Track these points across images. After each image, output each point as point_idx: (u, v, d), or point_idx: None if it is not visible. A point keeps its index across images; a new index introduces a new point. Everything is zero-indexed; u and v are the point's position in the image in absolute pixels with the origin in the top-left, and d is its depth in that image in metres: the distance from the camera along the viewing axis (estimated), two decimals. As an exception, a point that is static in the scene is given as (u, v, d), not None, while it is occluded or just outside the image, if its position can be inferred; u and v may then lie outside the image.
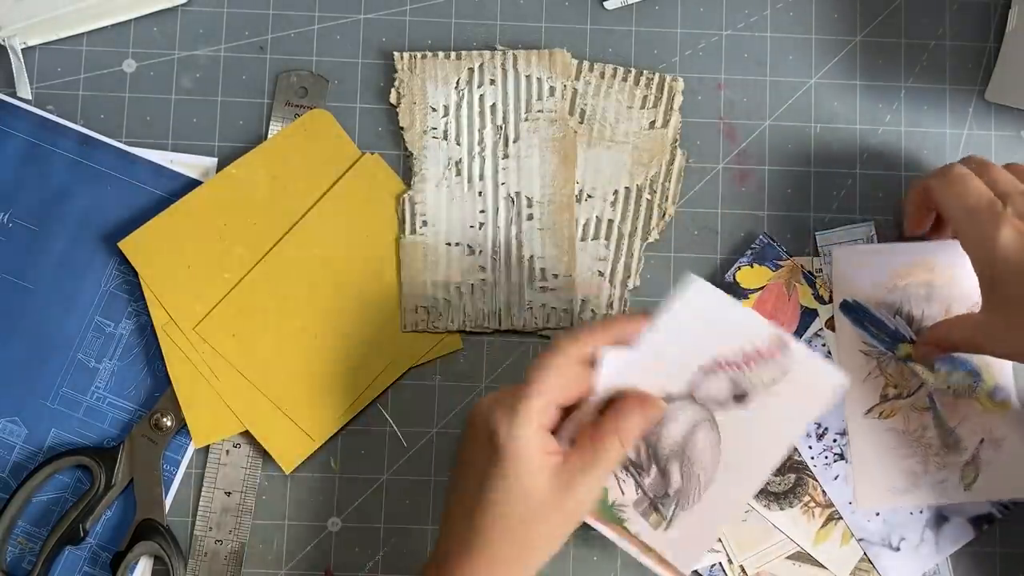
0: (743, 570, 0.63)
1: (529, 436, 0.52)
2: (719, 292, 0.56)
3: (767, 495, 0.63)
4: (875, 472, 0.63)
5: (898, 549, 0.63)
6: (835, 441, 0.63)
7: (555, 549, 0.53)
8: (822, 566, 0.63)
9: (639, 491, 0.58)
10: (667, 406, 0.56)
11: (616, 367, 0.55)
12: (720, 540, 0.63)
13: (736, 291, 0.64)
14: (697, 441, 0.57)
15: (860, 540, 0.63)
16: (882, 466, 0.63)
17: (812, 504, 0.63)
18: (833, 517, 0.63)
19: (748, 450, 0.57)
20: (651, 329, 0.56)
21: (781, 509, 0.63)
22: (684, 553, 0.58)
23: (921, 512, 0.63)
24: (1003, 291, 0.55)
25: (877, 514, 0.63)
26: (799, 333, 0.64)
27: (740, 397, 0.57)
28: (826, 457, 0.63)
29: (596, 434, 0.54)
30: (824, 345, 0.64)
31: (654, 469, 0.58)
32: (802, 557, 0.63)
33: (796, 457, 0.63)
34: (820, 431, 0.63)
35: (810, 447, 0.63)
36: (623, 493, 0.59)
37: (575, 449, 0.53)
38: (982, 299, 0.57)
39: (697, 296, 0.56)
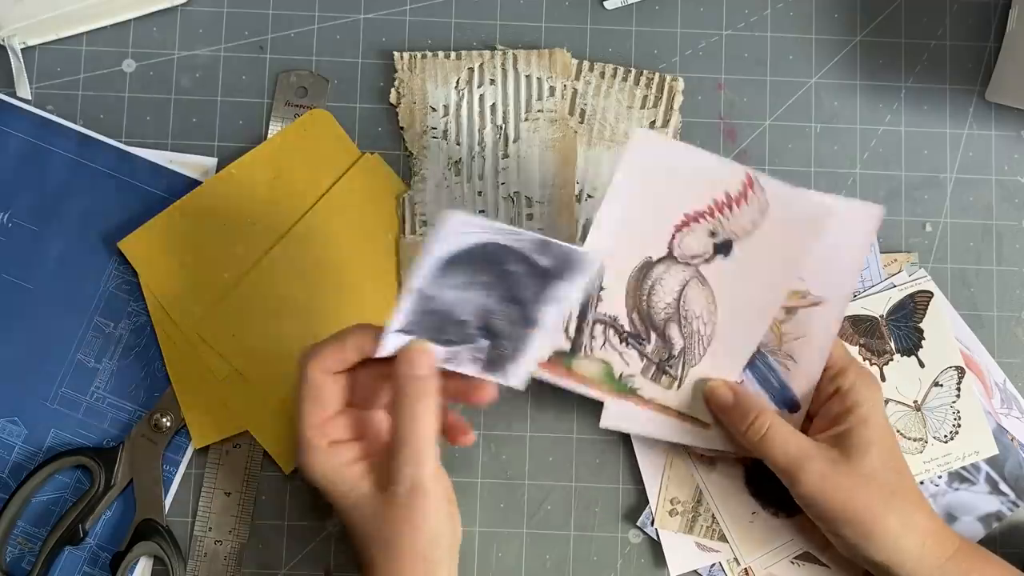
0: (747, 572, 0.63)
1: (322, 462, 0.53)
2: (670, 140, 0.55)
3: (774, 502, 0.63)
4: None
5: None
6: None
7: (441, 531, 0.52)
8: (828, 567, 0.63)
9: (643, 359, 0.58)
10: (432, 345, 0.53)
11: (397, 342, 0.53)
12: (726, 540, 0.63)
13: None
14: (689, 299, 0.57)
15: None
16: None
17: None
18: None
19: (745, 296, 0.56)
20: (608, 195, 0.54)
21: (789, 515, 0.63)
22: (702, 404, 0.58)
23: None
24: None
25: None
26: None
27: (723, 247, 0.56)
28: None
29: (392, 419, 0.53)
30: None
31: (653, 336, 0.58)
32: (809, 558, 0.63)
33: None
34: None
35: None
36: (628, 364, 0.58)
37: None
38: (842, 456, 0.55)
39: (646, 147, 0.54)
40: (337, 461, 0.53)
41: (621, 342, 0.58)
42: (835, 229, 0.56)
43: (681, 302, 0.57)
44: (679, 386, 0.59)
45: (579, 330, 0.59)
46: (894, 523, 0.55)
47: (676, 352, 0.58)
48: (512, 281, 0.53)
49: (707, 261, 0.57)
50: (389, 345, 0.53)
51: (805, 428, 0.59)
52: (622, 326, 0.59)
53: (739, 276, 0.57)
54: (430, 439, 0.52)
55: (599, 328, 0.59)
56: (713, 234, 0.56)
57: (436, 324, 0.53)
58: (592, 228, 0.56)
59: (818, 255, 0.56)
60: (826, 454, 0.56)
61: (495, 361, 0.54)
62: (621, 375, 0.59)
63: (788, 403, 0.60)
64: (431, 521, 0.52)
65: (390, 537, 0.52)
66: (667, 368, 0.58)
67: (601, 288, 0.58)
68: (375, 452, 0.54)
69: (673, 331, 0.58)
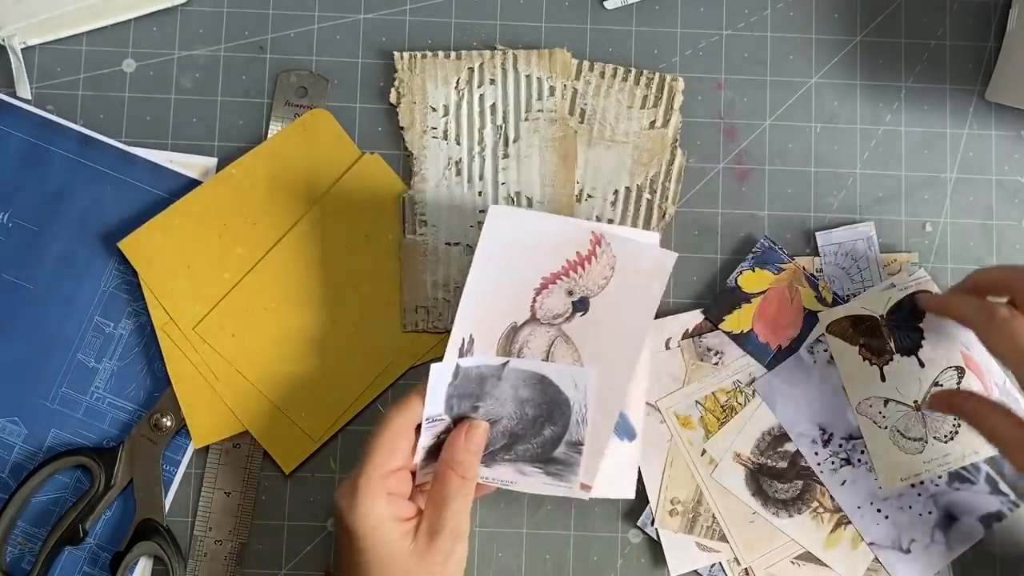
0: (747, 572, 0.63)
1: (376, 510, 0.53)
2: (521, 211, 0.57)
3: (775, 502, 0.63)
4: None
5: (908, 551, 0.63)
6: (840, 446, 0.63)
7: None
8: (829, 568, 0.63)
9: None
10: (485, 422, 0.57)
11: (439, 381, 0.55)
12: (726, 540, 0.63)
13: (738, 295, 0.64)
14: (557, 358, 0.58)
15: (871, 544, 0.63)
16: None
17: (821, 510, 0.63)
18: (842, 522, 0.63)
19: (607, 349, 0.58)
20: (472, 269, 0.56)
21: (790, 516, 0.63)
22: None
23: (930, 513, 0.63)
24: None
25: (886, 517, 0.63)
26: (802, 335, 0.64)
27: (580, 304, 0.58)
28: (832, 463, 0.63)
29: (436, 478, 0.55)
30: (827, 350, 0.64)
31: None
32: (810, 558, 0.63)
33: (803, 464, 0.63)
34: (825, 437, 0.63)
35: (816, 453, 0.63)
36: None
37: (427, 502, 0.54)
38: None
39: (499, 220, 0.57)
40: (391, 513, 0.53)
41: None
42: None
43: (550, 362, 0.58)
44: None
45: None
46: None
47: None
48: (531, 428, 0.58)
49: (567, 320, 0.58)
50: (432, 407, 0.55)
51: None
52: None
53: (598, 330, 0.58)
54: (467, 510, 0.55)
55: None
56: (570, 293, 0.58)
57: (470, 393, 0.56)
58: (461, 303, 0.57)
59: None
60: None
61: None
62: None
63: (628, 433, 0.61)
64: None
65: None
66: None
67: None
68: (418, 513, 0.55)
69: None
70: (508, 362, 0.56)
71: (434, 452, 0.56)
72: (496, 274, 0.57)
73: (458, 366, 0.55)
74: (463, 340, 0.57)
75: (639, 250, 0.58)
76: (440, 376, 0.55)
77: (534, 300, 0.58)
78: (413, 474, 0.56)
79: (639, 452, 0.61)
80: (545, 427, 0.58)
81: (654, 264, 0.58)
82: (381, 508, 0.53)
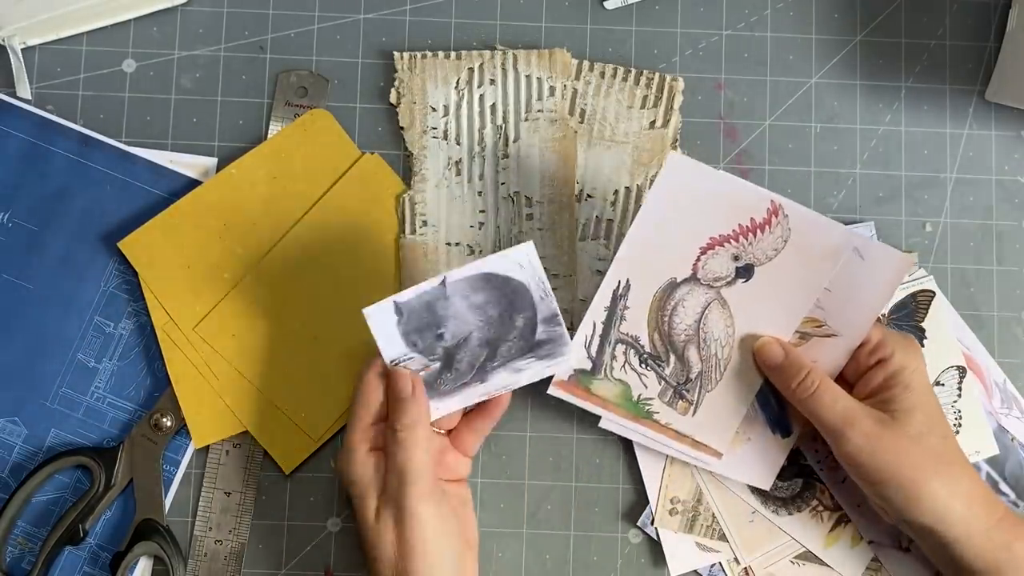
0: (747, 572, 0.63)
1: (359, 465, 0.54)
2: (701, 165, 0.56)
3: (775, 500, 0.63)
4: None
5: (907, 549, 0.63)
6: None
7: (434, 549, 0.53)
8: (829, 566, 0.63)
9: (662, 382, 0.59)
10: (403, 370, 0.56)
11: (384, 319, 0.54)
12: (726, 540, 0.63)
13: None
14: (710, 322, 0.58)
15: (870, 542, 0.63)
16: None
17: (820, 508, 0.63)
18: (842, 520, 0.63)
19: (763, 321, 0.57)
20: (640, 214, 0.56)
21: (790, 514, 0.63)
22: (715, 432, 0.59)
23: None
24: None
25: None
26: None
27: (744, 271, 0.57)
28: (833, 460, 0.63)
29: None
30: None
31: (672, 358, 0.59)
32: (809, 557, 0.63)
33: (802, 462, 0.63)
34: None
35: (816, 451, 0.63)
36: (646, 387, 0.59)
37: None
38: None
39: (678, 171, 0.56)
40: (371, 470, 0.54)
41: (641, 363, 0.59)
42: (863, 270, 0.57)
43: (701, 324, 0.58)
44: (695, 412, 0.60)
45: (600, 350, 0.59)
46: (941, 486, 0.55)
47: (693, 376, 0.59)
48: (502, 326, 0.56)
49: (728, 284, 0.58)
50: (389, 352, 0.55)
51: None
52: (643, 346, 0.59)
53: (758, 300, 0.58)
54: (418, 464, 0.54)
55: (620, 348, 0.59)
56: (736, 258, 0.57)
57: (424, 323, 0.55)
58: (623, 244, 0.57)
59: (841, 290, 0.57)
60: (874, 415, 0.56)
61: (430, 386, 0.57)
62: (639, 397, 0.60)
63: (783, 427, 0.60)
64: (425, 544, 0.53)
65: (380, 557, 0.53)
66: (684, 392, 0.59)
67: (625, 307, 0.59)
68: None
69: (692, 354, 0.59)
70: (444, 277, 0.54)
71: (433, 386, 0.57)
72: (664, 225, 0.56)
73: (395, 303, 0.54)
74: (619, 283, 0.57)
75: (819, 228, 0.56)
76: (379, 318, 0.54)
77: (698, 259, 0.57)
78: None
79: (789, 449, 0.60)
80: (514, 318, 0.56)
81: (833, 245, 0.56)
82: (361, 466, 0.54)
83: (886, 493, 0.55)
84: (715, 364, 0.59)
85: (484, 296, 0.55)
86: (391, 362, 0.55)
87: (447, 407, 0.58)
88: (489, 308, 0.55)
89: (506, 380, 0.58)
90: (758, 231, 0.57)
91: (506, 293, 0.55)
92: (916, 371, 0.57)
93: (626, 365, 0.60)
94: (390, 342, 0.54)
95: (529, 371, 0.58)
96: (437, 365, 0.56)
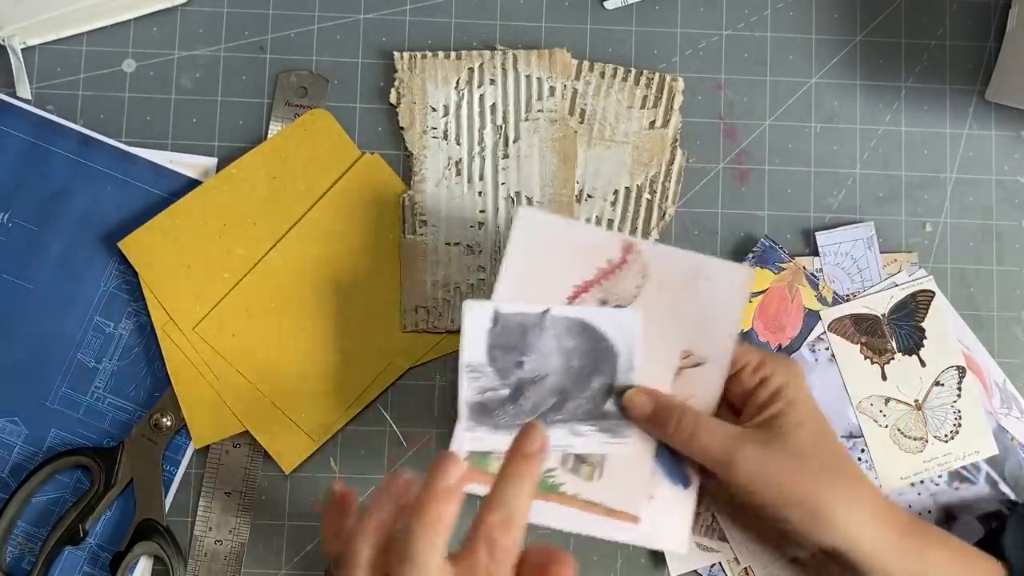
0: (747, 572, 0.63)
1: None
2: (552, 216, 0.55)
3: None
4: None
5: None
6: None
7: None
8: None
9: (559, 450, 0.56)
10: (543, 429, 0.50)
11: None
12: (726, 540, 0.63)
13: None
14: None
15: None
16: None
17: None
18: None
19: (647, 361, 0.55)
20: (503, 272, 0.55)
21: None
22: (627, 494, 0.55)
23: (930, 512, 0.63)
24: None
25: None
26: (802, 334, 0.64)
27: None
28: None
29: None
30: (828, 348, 0.64)
31: None
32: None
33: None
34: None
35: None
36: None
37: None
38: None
39: (528, 226, 0.55)
40: None
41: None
42: (710, 288, 0.56)
43: None
44: (600, 474, 0.55)
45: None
46: (837, 498, 0.52)
47: None
48: (579, 381, 0.54)
49: None
50: (469, 354, 0.53)
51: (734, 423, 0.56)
52: None
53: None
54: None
55: None
56: (604, 302, 0.56)
57: (512, 343, 0.54)
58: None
59: (697, 316, 0.56)
60: (758, 437, 0.53)
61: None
62: (543, 473, 0.55)
63: (682, 478, 0.56)
64: None
65: None
66: (584, 456, 0.56)
67: None
68: None
69: None
70: (548, 310, 0.54)
71: (479, 413, 0.54)
72: (527, 280, 0.55)
73: (496, 310, 0.53)
74: None
75: (674, 258, 0.56)
76: (478, 317, 0.52)
77: None
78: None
79: (694, 501, 0.56)
80: (593, 378, 0.54)
81: (693, 271, 0.55)
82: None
83: (786, 515, 0.52)
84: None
85: (575, 343, 0.54)
86: (467, 366, 0.52)
87: (491, 443, 0.54)
88: (574, 358, 0.55)
89: (561, 439, 0.55)
90: (616, 271, 0.56)
91: (595, 349, 0.55)
92: (799, 387, 0.55)
93: None
94: (475, 345, 0.53)
95: (587, 440, 0.55)
96: (505, 393, 0.54)
